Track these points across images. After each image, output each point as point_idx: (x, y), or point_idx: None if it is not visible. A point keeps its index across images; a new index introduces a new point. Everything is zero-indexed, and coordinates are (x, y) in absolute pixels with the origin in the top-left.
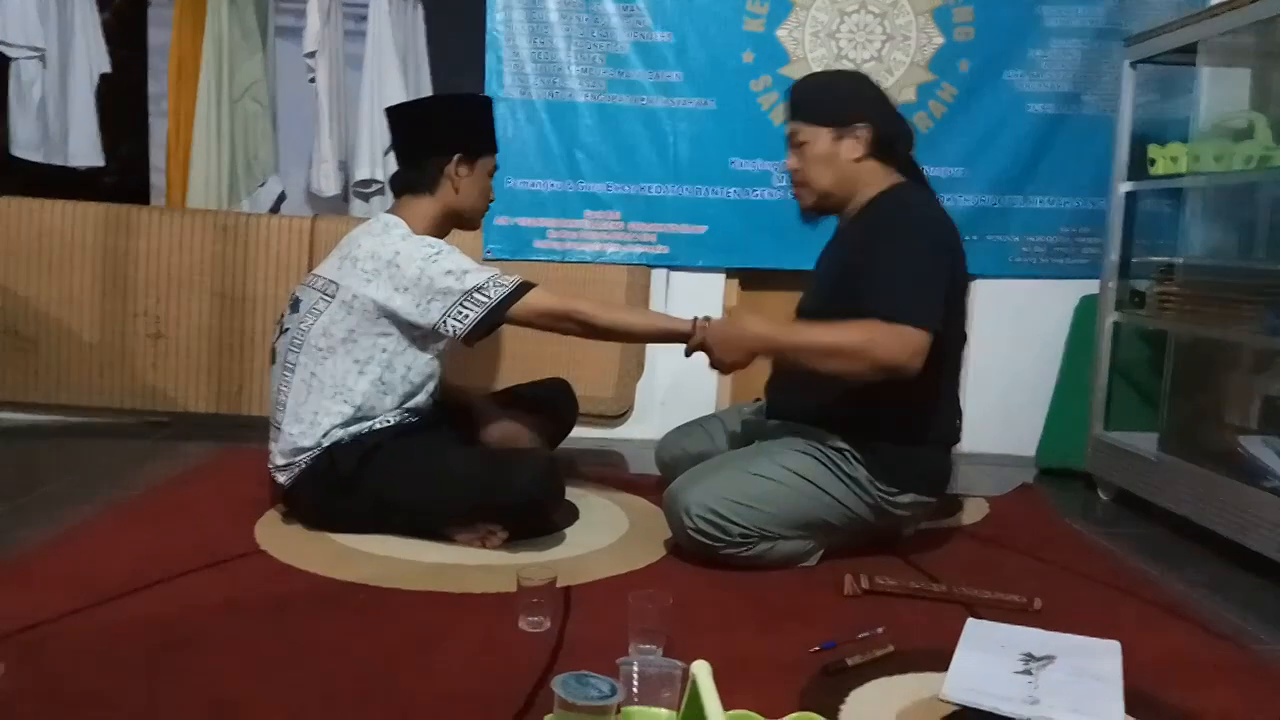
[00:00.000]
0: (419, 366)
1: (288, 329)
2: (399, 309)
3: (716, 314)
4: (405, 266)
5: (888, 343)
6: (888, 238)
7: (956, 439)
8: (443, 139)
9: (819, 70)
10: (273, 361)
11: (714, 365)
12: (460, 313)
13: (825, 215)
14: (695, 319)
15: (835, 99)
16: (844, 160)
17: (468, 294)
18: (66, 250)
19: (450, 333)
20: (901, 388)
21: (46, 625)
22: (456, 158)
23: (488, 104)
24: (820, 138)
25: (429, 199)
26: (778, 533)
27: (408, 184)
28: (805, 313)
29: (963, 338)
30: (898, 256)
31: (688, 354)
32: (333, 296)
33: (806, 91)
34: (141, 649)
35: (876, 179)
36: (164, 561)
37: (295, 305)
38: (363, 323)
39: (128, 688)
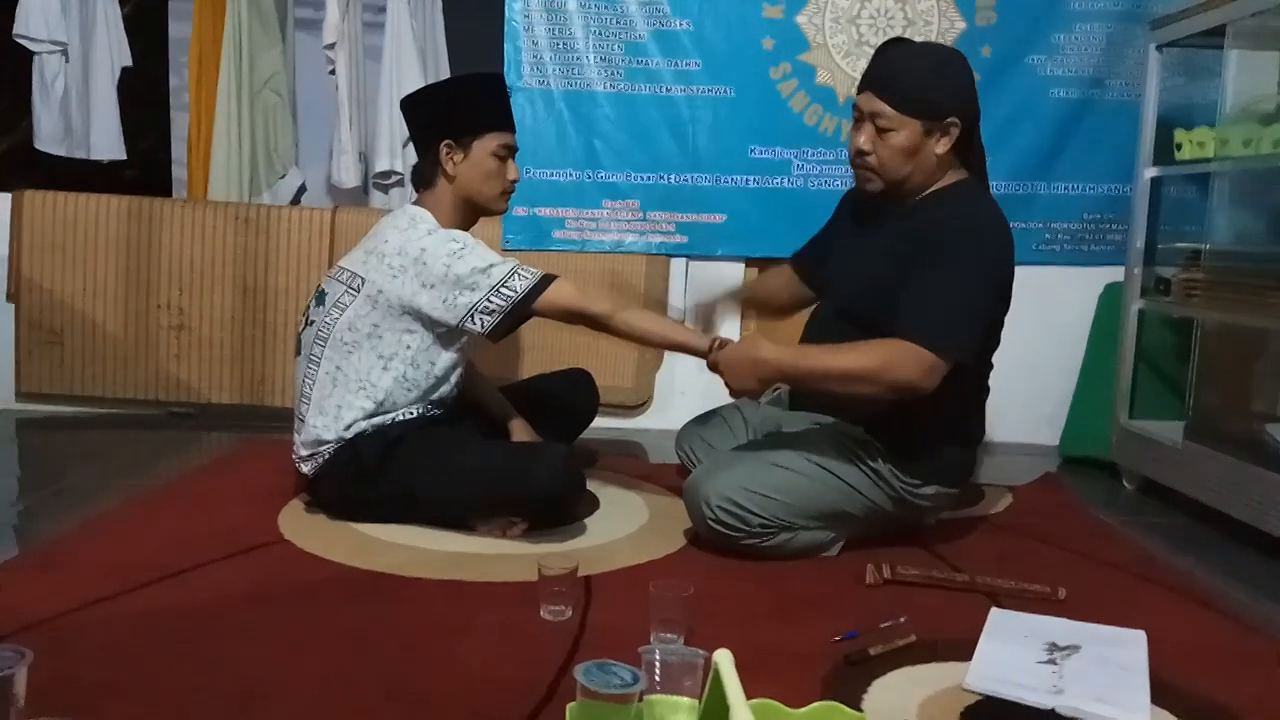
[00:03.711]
0: (443, 362)
1: (313, 321)
2: (424, 305)
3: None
4: (431, 263)
5: (902, 365)
6: (944, 256)
7: (981, 434)
8: (430, 128)
9: (906, 41)
10: (298, 353)
11: (727, 388)
12: (486, 307)
13: (885, 199)
14: (714, 339)
15: (935, 88)
16: (927, 154)
17: (494, 289)
18: (90, 243)
19: (476, 328)
20: None
21: (73, 614)
22: (445, 145)
23: (482, 82)
24: (909, 129)
25: (438, 189)
26: (798, 523)
27: (417, 176)
28: (842, 300)
29: (997, 343)
30: (946, 283)
31: (710, 368)
32: (358, 290)
33: (902, 73)
34: (167, 637)
35: (948, 171)
36: (188, 550)
37: (321, 298)
38: (387, 318)
39: (153, 676)
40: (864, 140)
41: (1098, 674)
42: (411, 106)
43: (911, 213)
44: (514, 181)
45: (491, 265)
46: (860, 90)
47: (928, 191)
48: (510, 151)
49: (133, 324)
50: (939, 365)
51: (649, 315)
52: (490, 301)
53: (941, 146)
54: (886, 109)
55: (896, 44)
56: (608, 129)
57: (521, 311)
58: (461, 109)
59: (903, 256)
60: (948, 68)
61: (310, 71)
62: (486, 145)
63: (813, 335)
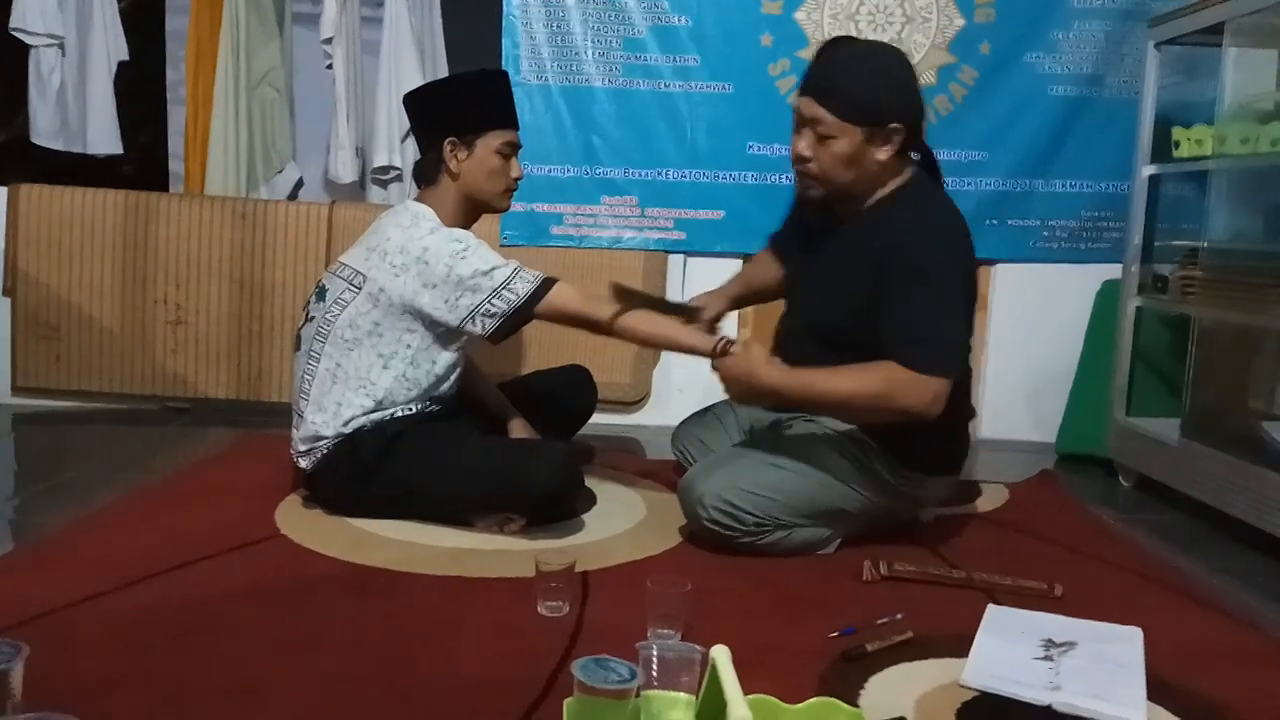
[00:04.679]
0: (443, 362)
1: (313, 317)
2: (425, 305)
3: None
4: (434, 264)
5: (909, 392)
6: (921, 274)
7: (972, 412)
8: (434, 124)
9: (849, 41)
10: (297, 348)
11: (726, 392)
12: (488, 310)
13: (829, 206)
14: (718, 342)
15: (874, 92)
16: (869, 161)
17: (496, 291)
18: (87, 237)
19: (477, 330)
20: None
21: (70, 609)
22: (449, 142)
23: (486, 79)
24: (849, 136)
25: (441, 186)
26: (793, 521)
27: (420, 172)
28: (810, 318)
29: (970, 330)
30: (926, 303)
31: (713, 370)
32: (360, 288)
33: (839, 78)
34: (163, 632)
35: (895, 174)
36: (185, 546)
37: (321, 294)
38: (388, 316)
39: (150, 671)
40: (804, 146)
41: (1094, 671)
42: (415, 103)
43: (864, 223)
44: (517, 179)
45: (494, 267)
46: (801, 94)
47: (878, 197)
48: (514, 149)
49: (130, 319)
50: (944, 389)
51: (650, 317)
52: (492, 304)
53: (884, 153)
54: (826, 116)
55: (838, 45)
56: (606, 125)
57: (523, 315)
58: (466, 106)
59: (866, 272)
60: (888, 71)
61: (308, 66)
62: (490, 143)
63: (786, 354)
